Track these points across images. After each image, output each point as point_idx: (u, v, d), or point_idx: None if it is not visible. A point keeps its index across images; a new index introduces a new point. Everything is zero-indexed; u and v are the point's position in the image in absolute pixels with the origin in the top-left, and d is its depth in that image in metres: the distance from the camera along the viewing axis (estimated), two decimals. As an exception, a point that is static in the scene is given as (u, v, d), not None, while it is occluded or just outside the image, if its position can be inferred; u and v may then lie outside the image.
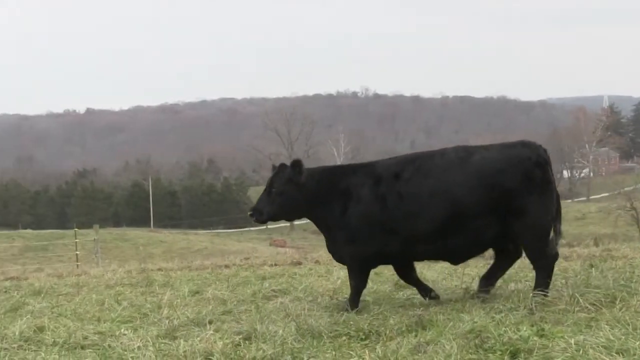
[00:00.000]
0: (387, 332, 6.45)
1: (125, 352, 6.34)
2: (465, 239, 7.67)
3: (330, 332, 6.60)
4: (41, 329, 7.66)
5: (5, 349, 6.83)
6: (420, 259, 8.40)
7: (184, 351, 6.15)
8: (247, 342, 6.49)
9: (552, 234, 7.73)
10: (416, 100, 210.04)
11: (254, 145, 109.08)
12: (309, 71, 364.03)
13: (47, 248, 51.49)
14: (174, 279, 11.62)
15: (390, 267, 8.73)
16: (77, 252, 27.55)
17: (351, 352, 5.86)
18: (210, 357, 5.97)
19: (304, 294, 9.21)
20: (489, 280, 8.06)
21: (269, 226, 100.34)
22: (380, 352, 5.71)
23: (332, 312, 7.73)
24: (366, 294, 8.85)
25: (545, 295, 7.30)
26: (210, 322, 7.53)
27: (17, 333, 7.39)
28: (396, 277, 8.82)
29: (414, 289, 8.42)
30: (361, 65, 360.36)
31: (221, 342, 6.33)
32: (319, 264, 13.02)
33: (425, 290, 8.18)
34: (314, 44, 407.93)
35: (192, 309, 8.47)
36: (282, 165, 8.21)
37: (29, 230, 76.59)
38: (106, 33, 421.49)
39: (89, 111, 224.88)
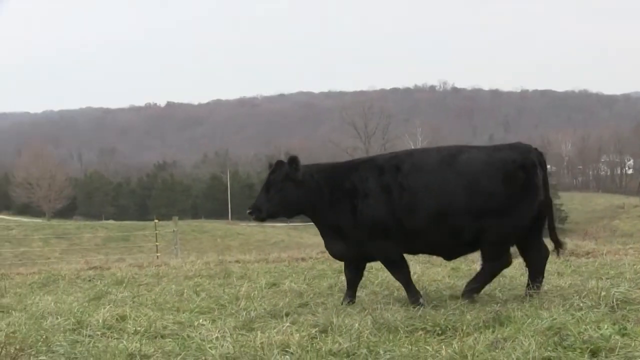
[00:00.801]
0: (464, 327, 6.36)
1: (204, 342, 6.42)
2: (454, 237, 7.78)
3: (407, 327, 6.56)
4: (123, 318, 7.84)
5: (90, 335, 7.02)
6: (415, 252, 8.59)
7: (261, 343, 6.19)
8: (323, 335, 6.51)
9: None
10: (495, 94, 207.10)
11: (330, 138, 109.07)
12: (387, 65, 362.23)
13: (128, 239, 52.63)
14: (251, 271, 11.74)
15: (467, 261, 8.64)
16: (157, 243, 28.01)
17: (427, 347, 5.80)
18: (287, 349, 6.01)
19: (380, 287, 9.20)
20: (533, 286, 7.96)
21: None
22: (456, 348, 5.64)
23: (408, 306, 7.71)
24: (443, 289, 8.79)
25: (477, 293, 7.63)
26: (286, 315, 7.58)
27: (100, 321, 7.59)
28: (473, 272, 8.73)
29: (492, 284, 8.33)
30: (439, 59, 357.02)
31: (298, 335, 6.37)
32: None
33: (351, 296, 8.29)
34: (391, 38, 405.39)
35: (269, 301, 8.56)
36: (279, 162, 8.22)
37: (112, 221, 78.59)
38: (187, 29, 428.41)
39: (170, 105, 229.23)
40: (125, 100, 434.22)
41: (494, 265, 7.93)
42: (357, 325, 6.63)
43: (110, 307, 8.60)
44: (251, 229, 67.40)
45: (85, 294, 10.14)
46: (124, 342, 6.60)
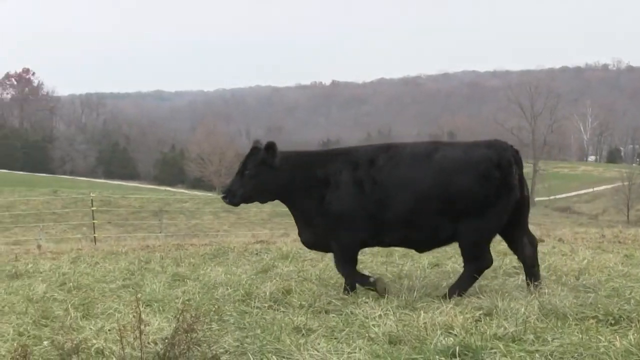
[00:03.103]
0: (640, 318, 6.07)
1: (367, 320, 6.49)
2: (426, 233, 7.74)
3: (576, 314, 6.33)
4: (288, 291, 8.05)
5: (257, 307, 7.27)
6: (386, 245, 8.55)
7: (424, 323, 6.18)
8: (487, 318, 6.42)
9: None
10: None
11: (495, 118, 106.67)
12: (556, 43, 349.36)
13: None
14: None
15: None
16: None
17: (600, 337, 5.53)
18: (450, 331, 5.97)
19: (547, 272, 8.93)
20: (532, 278, 7.86)
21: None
22: (632, 340, 5.36)
23: (578, 293, 7.43)
24: (615, 276, 8.43)
25: (460, 296, 7.39)
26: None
27: (267, 293, 7.84)
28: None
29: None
30: (612, 36, 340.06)
31: (461, 317, 6.30)
32: (562, 242, 12.57)
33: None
34: (559, 15, 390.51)
35: (432, 281, 8.52)
36: (256, 148, 8.13)
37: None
38: (353, 8, 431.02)
39: (334, 83, 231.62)
40: (292, 78, 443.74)
41: (474, 265, 7.72)
42: (523, 309, 6.47)
43: (277, 280, 8.87)
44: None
45: (253, 266, 10.46)
46: (290, 315, 6.78)
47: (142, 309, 5.58)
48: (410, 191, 7.64)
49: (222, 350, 5.64)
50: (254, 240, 14.82)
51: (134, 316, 5.50)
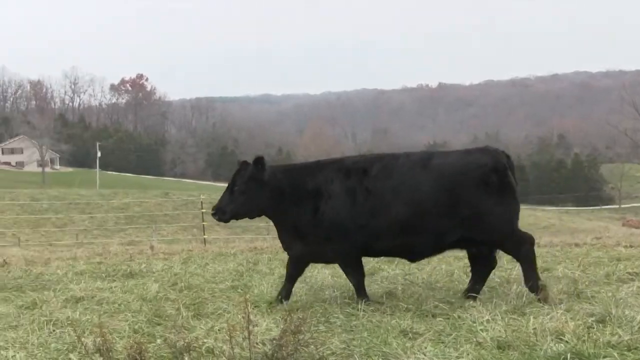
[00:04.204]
0: None
1: (475, 324, 6.41)
2: (423, 240, 7.69)
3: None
4: (393, 294, 8.05)
5: (364, 310, 7.28)
6: (378, 255, 8.52)
7: (534, 328, 6.07)
8: (600, 325, 6.23)
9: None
10: None
11: (608, 120, 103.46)
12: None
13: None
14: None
15: None
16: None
17: None
18: (561, 337, 5.82)
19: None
20: (471, 292, 7.89)
21: (621, 205, 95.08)
22: None
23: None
24: None
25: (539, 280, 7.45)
26: (560, 302, 7.34)
27: (374, 296, 7.86)
28: None
29: None
30: None
31: (573, 323, 6.14)
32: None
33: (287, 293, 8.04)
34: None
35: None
36: (244, 163, 8.05)
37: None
38: (457, 11, 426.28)
39: (441, 86, 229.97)
40: (398, 81, 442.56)
41: (526, 251, 7.73)
42: (638, 317, 6.25)
43: (383, 283, 8.87)
44: (522, 211, 65.81)
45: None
46: (397, 318, 6.77)
47: (250, 310, 5.68)
48: (405, 200, 7.62)
49: (329, 352, 5.69)
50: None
51: (243, 317, 5.61)
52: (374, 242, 7.77)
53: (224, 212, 7.95)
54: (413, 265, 10.69)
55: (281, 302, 7.83)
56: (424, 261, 11.01)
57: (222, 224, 8.54)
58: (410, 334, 6.23)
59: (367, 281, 9.16)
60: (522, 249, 7.72)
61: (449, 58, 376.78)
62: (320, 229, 7.77)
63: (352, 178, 7.79)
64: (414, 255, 8.06)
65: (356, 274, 8.02)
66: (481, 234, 7.67)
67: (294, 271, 8.12)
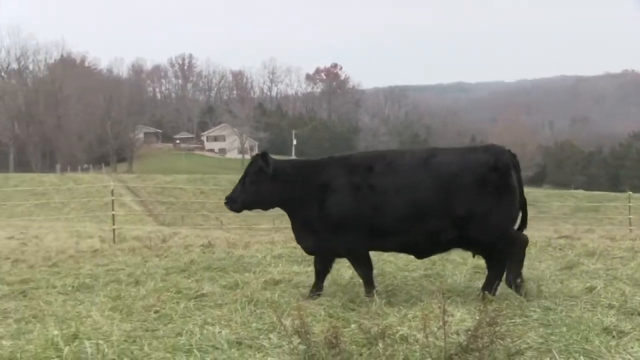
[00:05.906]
0: None
1: None
2: (425, 238, 7.69)
3: None
4: (592, 289, 7.71)
5: (562, 305, 7.01)
6: (387, 250, 8.49)
7: None
8: None
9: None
10: None
11: None
12: None
13: (598, 209, 51.47)
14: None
15: None
16: (630, 216, 26.88)
17: None
18: None
19: None
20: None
21: None
22: None
23: None
24: None
25: (493, 294, 7.34)
26: None
27: (573, 291, 7.62)
28: None
29: None
30: None
31: None
32: None
33: (319, 288, 8.20)
34: None
35: None
36: (256, 156, 8.28)
37: (581, 191, 77.48)
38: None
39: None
40: (600, 67, 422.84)
41: (501, 265, 7.64)
42: None
43: (583, 277, 8.52)
44: None
45: (557, 262, 10.17)
46: (599, 315, 6.46)
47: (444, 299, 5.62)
48: (408, 197, 7.65)
49: (525, 345, 5.52)
50: (557, 235, 14.36)
51: (437, 306, 5.56)
52: (378, 238, 7.83)
53: (235, 201, 8.28)
54: (615, 260, 10.21)
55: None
56: (629, 256, 10.54)
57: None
58: (614, 332, 5.90)
59: (565, 275, 8.88)
60: (513, 249, 7.63)
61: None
62: (327, 224, 7.91)
63: (357, 174, 7.91)
64: (415, 252, 8.12)
65: (364, 268, 8.11)
66: (474, 234, 7.60)
67: (321, 267, 8.33)
